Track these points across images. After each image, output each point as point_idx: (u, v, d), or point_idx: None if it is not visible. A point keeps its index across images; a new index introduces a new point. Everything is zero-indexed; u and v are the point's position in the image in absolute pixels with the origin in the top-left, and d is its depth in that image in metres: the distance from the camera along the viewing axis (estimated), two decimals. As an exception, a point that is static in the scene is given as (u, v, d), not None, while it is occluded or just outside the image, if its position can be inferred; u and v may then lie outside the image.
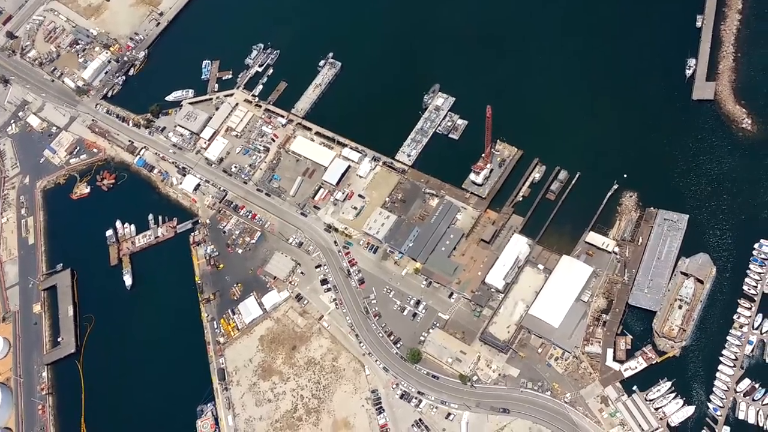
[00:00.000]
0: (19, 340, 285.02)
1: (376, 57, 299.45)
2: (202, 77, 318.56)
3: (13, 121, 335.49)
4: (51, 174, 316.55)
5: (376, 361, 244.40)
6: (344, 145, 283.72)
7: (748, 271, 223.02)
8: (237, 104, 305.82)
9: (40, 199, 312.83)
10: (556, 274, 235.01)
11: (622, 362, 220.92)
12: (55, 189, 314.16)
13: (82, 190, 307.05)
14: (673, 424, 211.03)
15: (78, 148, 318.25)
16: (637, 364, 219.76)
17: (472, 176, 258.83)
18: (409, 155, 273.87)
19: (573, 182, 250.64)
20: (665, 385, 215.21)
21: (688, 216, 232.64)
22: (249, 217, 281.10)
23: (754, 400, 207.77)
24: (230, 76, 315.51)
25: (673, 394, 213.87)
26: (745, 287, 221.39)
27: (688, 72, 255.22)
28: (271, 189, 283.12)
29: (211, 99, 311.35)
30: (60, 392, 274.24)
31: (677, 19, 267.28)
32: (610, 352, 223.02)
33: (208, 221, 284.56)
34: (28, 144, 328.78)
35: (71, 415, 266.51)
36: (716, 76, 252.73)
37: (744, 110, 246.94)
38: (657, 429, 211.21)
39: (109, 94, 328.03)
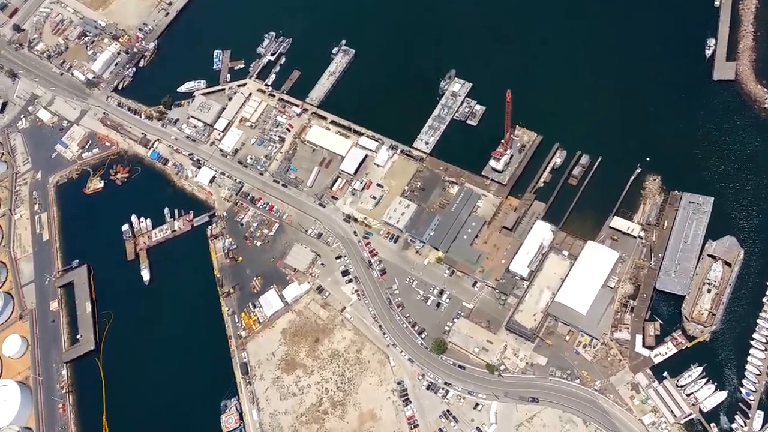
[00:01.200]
0: (36, 338, 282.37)
1: (390, 43, 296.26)
2: (214, 67, 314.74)
3: (23, 115, 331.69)
4: (63, 169, 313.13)
5: (401, 352, 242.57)
6: (361, 134, 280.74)
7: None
8: (250, 94, 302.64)
9: (53, 194, 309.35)
10: (581, 260, 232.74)
11: (651, 348, 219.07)
12: (68, 184, 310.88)
13: (96, 184, 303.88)
14: (705, 410, 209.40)
15: (90, 141, 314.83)
16: (667, 350, 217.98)
17: (492, 163, 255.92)
18: (427, 143, 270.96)
19: (595, 167, 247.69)
20: (696, 370, 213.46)
21: (713, 198, 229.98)
22: (266, 208, 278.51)
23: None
24: (242, 66, 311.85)
25: (705, 380, 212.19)
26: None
27: (708, 52, 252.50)
28: (287, 180, 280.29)
29: (223, 89, 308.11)
30: (80, 390, 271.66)
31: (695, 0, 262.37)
32: (639, 338, 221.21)
33: (225, 214, 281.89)
34: (39, 139, 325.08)
35: (92, 413, 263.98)
36: (736, 56, 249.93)
37: (765, 89, 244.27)
38: (689, 415, 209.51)
39: (120, 87, 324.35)
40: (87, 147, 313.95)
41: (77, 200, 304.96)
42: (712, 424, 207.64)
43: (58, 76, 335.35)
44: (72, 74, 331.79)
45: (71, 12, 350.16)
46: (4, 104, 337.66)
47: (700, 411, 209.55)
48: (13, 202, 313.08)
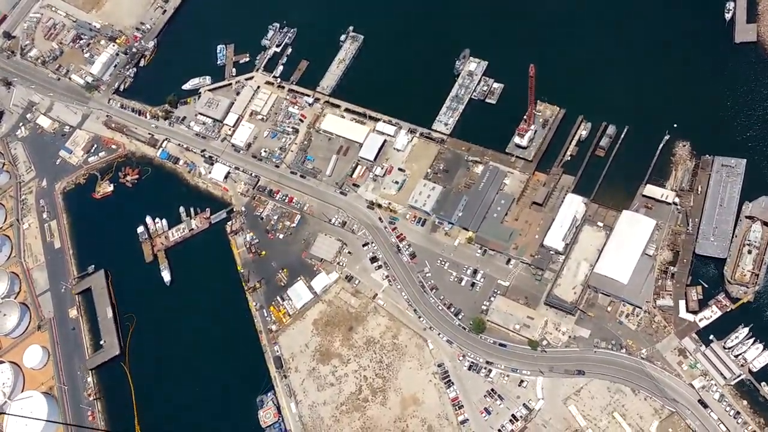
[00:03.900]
0: (58, 347, 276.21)
1: (399, 27, 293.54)
2: (218, 62, 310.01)
3: (21, 123, 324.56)
4: (69, 175, 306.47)
5: (439, 334, 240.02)
6: (377, 120, 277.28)
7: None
8: (258, 87, 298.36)
9: (61, 201, 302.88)
10: (618, 229, 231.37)
11: (695, 313, 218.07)
12: (76, 190, 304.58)
13: (105, 188, 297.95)
14: (755, 370, 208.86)
15: (95, 145, 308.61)
16: (712, 313, 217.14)
17: (516, 139, 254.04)
18: (446, 124, 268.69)
19: (622, 136, 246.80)
20: (743, 331, 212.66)
21: (745, 160, 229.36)
22: (286, 201, 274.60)
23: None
24: (248, 59, 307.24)
25: (752, 340, 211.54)
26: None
27: (728, 16, 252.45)
28: (305, 170, 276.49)
29: (230, 84, 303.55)
30: (108, 396, 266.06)
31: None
32: (682, 303, 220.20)
33: (243, 209, 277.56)
34: (41, 146, 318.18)
35: (123, 418, 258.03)
36: (756, 17, 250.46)
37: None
38: (739, 376, 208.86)
39: (121, 88, 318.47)
40: (92, 151, 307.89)
41: (87, 205, 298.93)
42: (763, 383, 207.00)
43: (55, 82, 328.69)
44: (70, 78, 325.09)
45: (63, 15, 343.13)
46: (1, 113, 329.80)
47: (750, 371, 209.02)
48: (19, 211, 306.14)
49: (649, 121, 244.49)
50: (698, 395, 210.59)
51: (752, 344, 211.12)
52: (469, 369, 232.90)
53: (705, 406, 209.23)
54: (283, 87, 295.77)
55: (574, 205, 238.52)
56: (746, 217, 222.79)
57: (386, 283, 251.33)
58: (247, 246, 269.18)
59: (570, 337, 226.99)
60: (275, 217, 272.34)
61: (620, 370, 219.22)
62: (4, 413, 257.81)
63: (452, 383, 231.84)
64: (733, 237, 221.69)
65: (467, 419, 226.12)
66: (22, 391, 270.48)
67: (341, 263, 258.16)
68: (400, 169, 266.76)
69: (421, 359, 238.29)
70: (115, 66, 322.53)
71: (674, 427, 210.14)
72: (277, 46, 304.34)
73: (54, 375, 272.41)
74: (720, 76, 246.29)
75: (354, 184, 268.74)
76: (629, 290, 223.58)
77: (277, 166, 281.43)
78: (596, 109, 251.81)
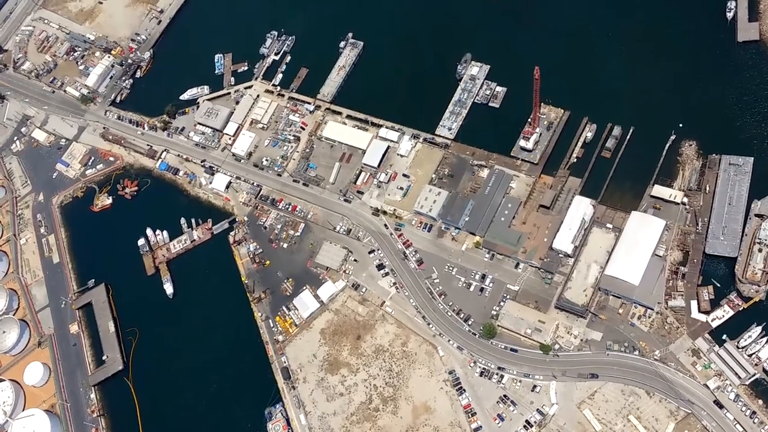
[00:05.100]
0: (59, 364, 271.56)
1: (399, 32, 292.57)
2: (216, 72, 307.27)
3: (16, 138, 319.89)
4: (67, 188, 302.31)
5: (449, 341, 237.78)
6: (379, 126, 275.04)
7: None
8: (258, 96, 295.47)
9: (59, 215, 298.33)
10: (627, 231, 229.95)
11: (707, 313, 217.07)
12: (74, 203, 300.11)
13: (104, 201, 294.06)
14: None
15: (92, 158, 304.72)
16: (724, 313, 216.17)
17: (521, 142, 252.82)
18: (449, 129, 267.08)
19: (628, 137, 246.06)
20: (756, 330, 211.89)
21: (753, 158, 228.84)
22: (289, 209, 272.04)
23: None
24: (246, 68, 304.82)
25: (766, 338, 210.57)
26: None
27: (729, 15, 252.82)
28: (308, 178, 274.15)
29: (229, 93, 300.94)
30: (112, 412, 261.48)
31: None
32: (694, 304, 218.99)
33: (245, 219, 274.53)
34: (36, 160, 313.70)
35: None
36: (758, 15, 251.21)
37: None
38: (754, 375, 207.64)
39: (118, 99, 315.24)
40: (90, 164, 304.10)
41: (85, 219, 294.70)
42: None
43: (50, 95, 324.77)
44: (65, 91, 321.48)
45: (56, 28, 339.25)
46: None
47: (764, 370, 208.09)
48: (16, 226, 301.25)
49: (654, 122, 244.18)
50: (713, 396, 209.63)
51: (766, 343, 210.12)
52: (481, 375, 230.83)
53: (720, 406, 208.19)
54: (283, 95, 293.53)
55: (582, 207, 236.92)
56: (755, 215, 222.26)
57: (394, 290, 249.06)
58: (251, 256, 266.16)
59: (582, 340, 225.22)
60: (279, 226, 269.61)
61: (634, 373, 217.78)
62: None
63: (464, 390, 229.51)
64: (743, 235, 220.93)
65: (481, 426, 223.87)
66: (24, 410, 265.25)
67: (347, 271, 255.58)
68: (404, 175, 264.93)
69: (432, 366, 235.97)
70: (111, 77, 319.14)
71: (690, 429, 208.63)
72: (276, 54, 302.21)
73: (56, 392, 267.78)
74: (724, 75, 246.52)
75: (358, 191, 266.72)
76: (640, 291, 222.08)
77: (279, 175, 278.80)
78: (601, 110, 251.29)
